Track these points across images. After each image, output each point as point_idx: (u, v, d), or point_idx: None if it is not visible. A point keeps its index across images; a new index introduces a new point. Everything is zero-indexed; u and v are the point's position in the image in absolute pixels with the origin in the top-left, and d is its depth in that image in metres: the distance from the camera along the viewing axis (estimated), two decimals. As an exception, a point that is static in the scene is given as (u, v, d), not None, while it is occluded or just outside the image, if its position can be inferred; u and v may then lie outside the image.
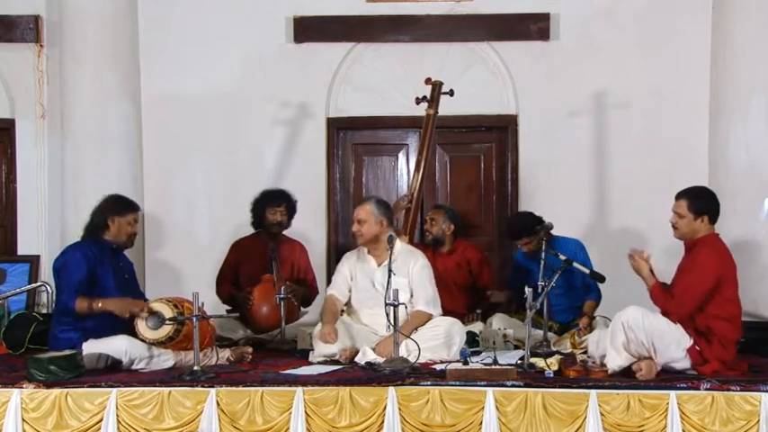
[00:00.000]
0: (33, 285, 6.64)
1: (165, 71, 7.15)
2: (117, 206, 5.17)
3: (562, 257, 5.42)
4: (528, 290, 4.82)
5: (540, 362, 4.75)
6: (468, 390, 4.39)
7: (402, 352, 4.87)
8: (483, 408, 4.33)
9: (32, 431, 4.43)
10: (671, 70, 7.05)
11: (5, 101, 7.11)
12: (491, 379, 4.44)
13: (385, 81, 7.20)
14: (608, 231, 7.05)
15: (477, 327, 5.76)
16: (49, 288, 6.34)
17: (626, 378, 4.51)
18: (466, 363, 4.62)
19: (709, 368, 4.57)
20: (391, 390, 4.40)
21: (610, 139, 7.12)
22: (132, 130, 6.89)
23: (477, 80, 7.15)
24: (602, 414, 4.31)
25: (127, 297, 5.02)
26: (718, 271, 4.65)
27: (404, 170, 7.42)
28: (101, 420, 4.41)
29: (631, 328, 4.56)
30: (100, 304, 4.88)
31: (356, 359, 5.03)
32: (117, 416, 4.41)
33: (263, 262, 5.97)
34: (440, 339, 5.10)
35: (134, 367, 4.85)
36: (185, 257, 7.12)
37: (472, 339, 5.49)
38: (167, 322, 4.82)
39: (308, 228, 6.91)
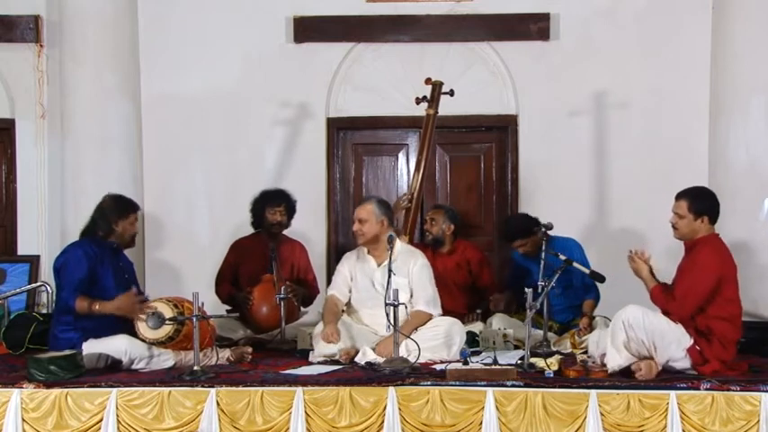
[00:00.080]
0: (33, 285, 6.64)
1: (165, 71, 7.15)
2: (119, 209, 5.16)
3: (562, 257, 5.41)
4: (528, 290, 4.82)
5: (540, 362, 4.75)
6: (468, 390, 4.39)
7: (402, 352, 4.87)
8: (483, 408, 4.33)
9: (32, 431, 4.42)
10: (671, 70, 7.05)
11: (5, 101, 7.11)
12: (491, 379, 4.44)
13: (385, 81, 7.19)
14: (608, 231, 7.05)
15: (477, 327, 5.76)
16: (48, 288, 6.34)
17: (626, 378, 4.51)
18: (466, 363, 4.62)
19: (710, 368, 4.57)
20: (391, 390, 4.40)
21: (610, 139, 7.12)
22: (132, 130, 6.88)
23: (477, 80, 7.14)
24: (602, 414, 4.31)
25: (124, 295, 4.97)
26: (718, 271, 4.65)
27: (404, 170, 7.41)
28: (101, 420, 4.41)
29: (632, 327, 4.55)
30: (98, 306, 4.87)
31: (356, 359, 5.02)
32: (117, 416, 4.41)
33: (263, 262, 5.97)
34: (440, 339, 5.10)
35: (134, 367, 4.85)
36: (185, 257, 7.12)
37: (472, 339, 5.49)
38: (167, 322, 4.82)
39: (308, 228, 6.90)
